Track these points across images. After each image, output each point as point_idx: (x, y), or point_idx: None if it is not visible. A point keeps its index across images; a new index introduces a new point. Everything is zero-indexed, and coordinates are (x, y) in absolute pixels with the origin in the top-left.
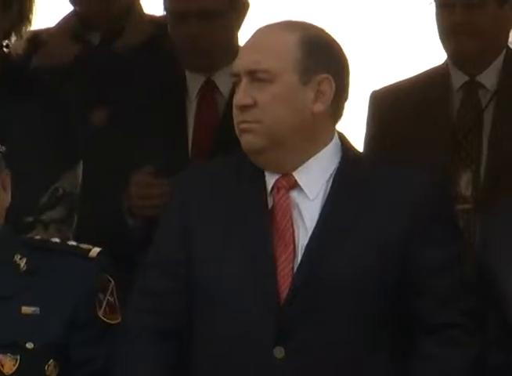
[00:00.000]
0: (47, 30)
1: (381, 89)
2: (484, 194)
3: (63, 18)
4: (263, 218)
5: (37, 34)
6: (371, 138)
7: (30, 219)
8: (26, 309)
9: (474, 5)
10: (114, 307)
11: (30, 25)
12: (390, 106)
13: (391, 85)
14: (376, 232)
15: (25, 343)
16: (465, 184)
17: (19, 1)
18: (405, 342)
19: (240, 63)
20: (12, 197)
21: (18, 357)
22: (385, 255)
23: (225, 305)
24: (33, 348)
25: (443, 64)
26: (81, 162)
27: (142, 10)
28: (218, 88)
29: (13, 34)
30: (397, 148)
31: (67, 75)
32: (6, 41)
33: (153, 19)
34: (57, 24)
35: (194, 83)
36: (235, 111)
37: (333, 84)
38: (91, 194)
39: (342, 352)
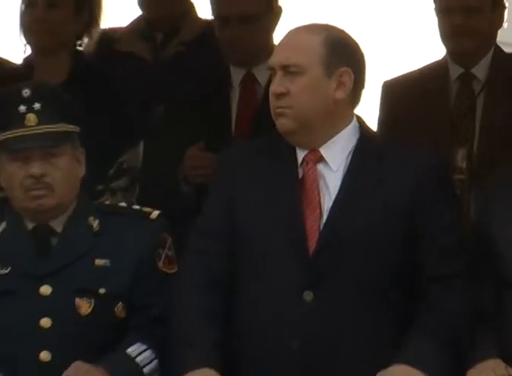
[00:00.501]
0: (119, 30)
1: (391, 80)
2: (477, 166)
3: (133, 21)
4: (295, 187)
5: (109, 34)
6: (383, 121)
7: (101, 188)
8: (98, 262)
9: (473, 10)
10: (172, 259)
11: (99, 27)
12: (399, 94)
13: (399, 76)
14: (388, 197)
15: (98, 289)
16: (461, 158)
17: (90, 5)
18: (411, 292)
19: (275, 59)
20: (85, 170)
21: (92, 301)
22: (395, 216)
23: (263, 259)
24: (104, 294)
25: (443, 59)
26: (142, 142)
27: (196, 14)
28: (257, 80)
29: (85, 35)
30: (405, 130)
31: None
32: (79, 41)
33: (204, 22)
34: (127, 25)
35: (237, 75)
36: (271, 98)
37: (352, 76)
38: (151, 167)
39: (360, 294)
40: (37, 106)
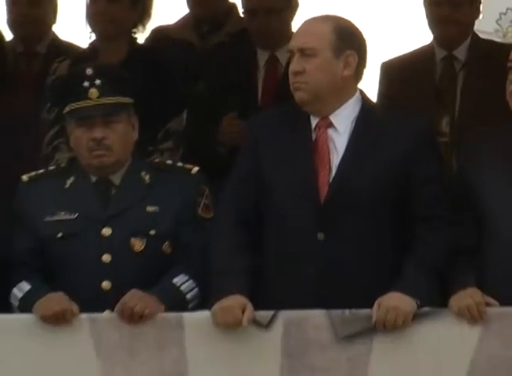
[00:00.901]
0: (170, 25)
1: (388, 61)
2: (457, 131)
3: (182, 17)
4: (309, 147)
5: (161, 28)
6: (381, 94)
7: (151, 149)
8: (149, 208)
9: (457, 4)
10: (209, 207)
11: (151, 18)
12: (394, 72)
13: (394, 58)
14: (386, 155)
15: (149, 231)
16: (445, 124)
17: (143, 0)
18: (404, 229)
19: (294, 43)
20: (139, 134)
21: (144, 240)
22: (392, 170)
23: (283, 206)
24: (154, 234)
25: (430, 43)
26: (185, 111)
27: (238, 13)
28: (279, 61)
29: (139, 25)
30: (399, 101)
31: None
32: (134, 29)
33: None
34: (177, 21)
35: (262, 57)
36: (290, 76)
37: (356, 58)
38: (193, 132)
39: (363, 232)
40: (98, 82)
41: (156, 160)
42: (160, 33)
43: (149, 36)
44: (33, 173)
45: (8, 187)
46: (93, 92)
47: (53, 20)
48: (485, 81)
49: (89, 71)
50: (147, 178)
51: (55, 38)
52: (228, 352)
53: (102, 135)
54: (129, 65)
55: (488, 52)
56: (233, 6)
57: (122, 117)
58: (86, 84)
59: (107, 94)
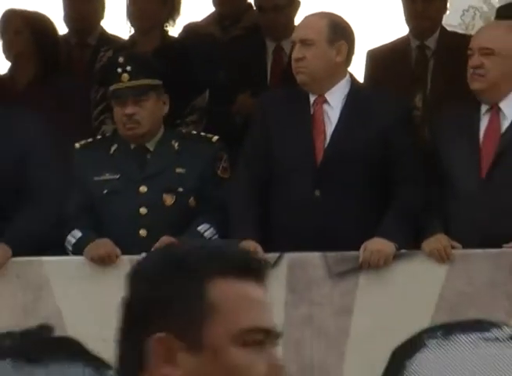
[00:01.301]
0: (198, 22)
1: (373, 49)
2: (428, 106)
3: (208, 15)
4: (307, 119)
5: (191, 24)
6: (367, 76)
7: (179, 121)
8: (178, 170)
9: (429, 2)
10: (226, 169)
11: (180, 14)
12: (377, 59)
13: (378, 47)
14: (371, 126)
15: (177, 188)
16: (418, 100)
17: None
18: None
19: (296, 35)
20: (169, 109)
21: (174, 196)
22: (376, 139)
23: (286, 167)
24: (182, 191)
25: (406, 34)
26: (207, 91)
27: (253, 11)
28: (283, 50)
29: (170, 20)
30: (382, 82)
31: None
32: (166, 24)
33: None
34: (204, 18)
35: (270, 46)
36: (293, 62)
37: (347, 47)
38: (214, 107)
39: (352, 190)
40: (128, 68)
41: (184, 130)
42: (189, 28)
43: (181, 31)
44: (83, 141)
45: (63, 154)
46: (125, 76)
47: (102, 16)
48: (451, 65)
49: (121, 59)
50: (176, 145)
51: (103, 32)
52: None
53: (132, 111)
54: (161, 53)
55: (454, 42)
56: (249, 5)
57: (150, 96)
58: (119, 70)
59: (136, 77)
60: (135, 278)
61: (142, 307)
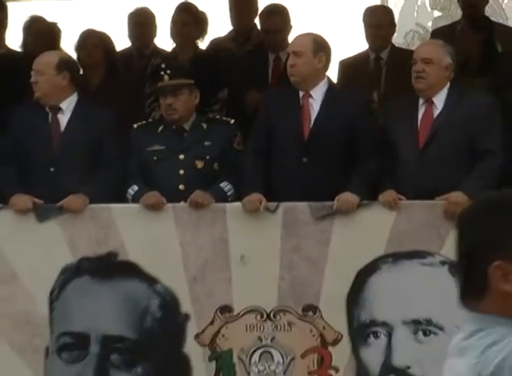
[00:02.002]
0: (221, 37)
1: (343, 59)
2: (382, 100)
3: (226, 33)
4: (298, 109)
5: (216, 40)
6: (339, 78)
7: (207, 109)
8: (206, 143)
9: (383, 26)
10: (240, 143)
11: (207, 34)
12: (346, 66)
13: (347, 58)
14: (343, 114)
15: (206, 156)
16: (375, 96)
17: (202, 22)
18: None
19: (289, 48)
20: (199, 101)
21: (203, 162)
22: (346, 123)
23: (281, 142)
24: (209, 158)
25: (366, 49)
26: (226, 88)
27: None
28: (280, 59)
29: (200, 38)
30: (349, 83)
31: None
32: (197, 41)
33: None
34: (225, 35)
35: (271, 57)
36: (288, 68)
37: (325, 57)
38: (231, 100)
39: (331, 158)
40: (168, 72)
41: (210, 115)
42: (213, 44)
43: (208, 45)
44: (139, 123)
45: (125, 131)
46: (165, 78)
47: (154, 35)
48: (398, 71)
49: (163, 66)
50: (204, 126)
51: (155, 46)
52: (251, 226)
53: (170, 102)
54: (194, 62)
55: (400, 55)
56: (254, 25)
57: (184, 91)
58: (162, 72)
59: (174, 78)
60: (469, 219)
61: (480, 242)
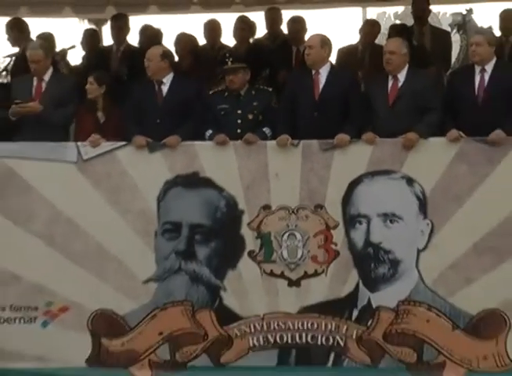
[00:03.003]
0: (260, 38)
1: (340, 48)
2: (365, 76)
3: (264, 34)
4: (311, 81)
5: (257, 40)
6: (337, 62)
7: (255, 82)
8: (254, 103)
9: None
10: (276, 103)
11: (255, 34)
12: (342, 54)
13: (342, 47)
14: (341, 85)
15: (254, 110)
16: (360, 74)
17: (253, 27)
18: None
19: (306, 43)
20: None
21: (252, 115)
22: (342, 92)
23: (301, 103)
24: (256, 112)
25: (356, 43)
26: (267, 70)
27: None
28: (299, 50)
29: (251, 38)
30: (344, 66)
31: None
32: (250, 39)
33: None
34: (263, 36)
35: (294, 49)
36: (305, 55)
37: (328, 49)
38: (269, 77)
39: (336, 115)
40: (230, 59)
41: (256, 86)
42: (257, 41)
43: (253, 42)
44: (212, 90)
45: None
46: (229, 63)
47: (221, 35)
48: (375, 59)
49: (227, 55)
50: (253, 92)
51: (221, 44)
52: (282, 155)
53: (231, 78)
54: (247, 53)
55: (376, 48)
56: (282, 30)
57: (240, 71)
58: (226, 60)
59: (234, 63)
60: None
61: None
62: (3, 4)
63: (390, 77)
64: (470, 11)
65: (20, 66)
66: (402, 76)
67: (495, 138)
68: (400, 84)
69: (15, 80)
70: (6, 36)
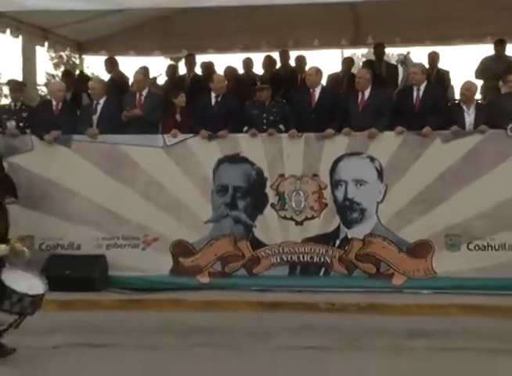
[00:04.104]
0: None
1: (329, 74)
2: (345, 92)
3: (278, 67)
4: (309, 95)
5: (276, 69)
6: (326, 84)
7: (275, 96)
8: (273, 109)
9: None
10: (288, 108)
11: (276, 65)
12: (331, 79)
13: (330, 74)
14: (328, 98)
15: (275, 115)
16: (341, 91)
17: (274, 61)
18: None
19: (306, 72)
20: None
21: (273, 117)
22: (330, 102)
23: (304, 110)
24: (275, 115)
25: (338, 72)
26: (282, 89)
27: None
28: (302, 77)
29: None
30: (331, 86)
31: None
32: (273, 69)
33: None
34: (279, 67)
35: (299, 76)
36: (306, 80)
37: (321, 76)
38: (284, 94)
39: (324, 118)
40: (260, 82)
41: (276, 99)
42: (276, 71)
43: (274, 71)
44: (248, 102)
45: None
46: (258, 84)
47: (253, 66)
48: (350, 81)
49: (257, 79)
50: (273, 103)
51: (253, 72)
52: (292, 144)
53: (260, 94)
54: (271, 78)
55: (351, 75)
56: (290, 64)
57: (265, 90)
58: (257, 82)
59: (262, 84)
60: None
61: None
62: (117, 47)
63: (360, 94)
64: (408, 52)
65: (113, 87)
66: (367, 93)
67: (425, 131)
68: (366, 98)
69: (126, 95)
70: (104, 66)
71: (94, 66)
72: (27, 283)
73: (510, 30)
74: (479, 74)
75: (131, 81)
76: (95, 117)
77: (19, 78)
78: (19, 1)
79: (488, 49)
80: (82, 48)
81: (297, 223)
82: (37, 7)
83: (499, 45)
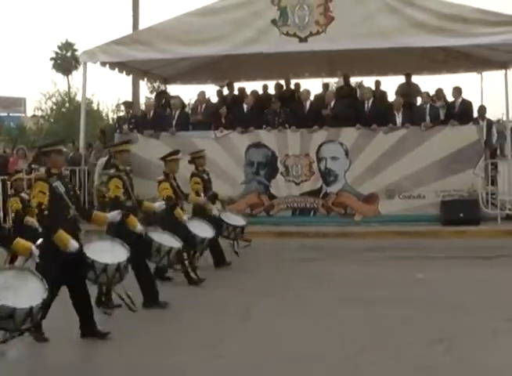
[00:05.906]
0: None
1: (315, 95)
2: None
3: (284, 89)
4: (303, 107)
5: (282, 91)
6: (313, 100)
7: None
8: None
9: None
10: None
11: (283, 89)
12: (316, 97)
13: (315, 95)
14: (315, 109)
15: (280, 119)
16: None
17: (282, 86)
18: None
19: (301, 92)
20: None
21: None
22: (316, 111)
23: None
24: (283, 119)
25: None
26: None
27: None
28: (302, 95)
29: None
30: (318, 101)
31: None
32: (282, 90)
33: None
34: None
35: (296, 94)
36: (301, 96)
37: (309, 95)
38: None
39: (311, 119)
40: (273, 98)
41: (283, 108)
42: (282, 91)
43: (281, 91)
44: (266, 111)
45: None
46: (272, 99)
47: (268, 89)
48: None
49: (272, 96)
50: (282, 111)
51: (268, 93)
52: (293, 138)
53: (272, 106)
54: (278, 97)
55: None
56: (291, 87)
57: (277, 103)
58: (272, 98)
59: (274, 99)
60: None
61: None
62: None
63: (329, 105)
64: (362, 81)
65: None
66: (332, 103)
67: (373, 127)
68: (331, 106)
69: (192, 108)
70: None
71: (173, 91)
72: (168, 241)
73: (412, 67)
74: (399, 93)
75: (193, 100)
76: (173, 122)
77: (130, 99)
78: (124, 53)
79: (401, 79)
80: (166, 81)
81: (296, 184)
82: (136, 57)
83: (408, 76)
